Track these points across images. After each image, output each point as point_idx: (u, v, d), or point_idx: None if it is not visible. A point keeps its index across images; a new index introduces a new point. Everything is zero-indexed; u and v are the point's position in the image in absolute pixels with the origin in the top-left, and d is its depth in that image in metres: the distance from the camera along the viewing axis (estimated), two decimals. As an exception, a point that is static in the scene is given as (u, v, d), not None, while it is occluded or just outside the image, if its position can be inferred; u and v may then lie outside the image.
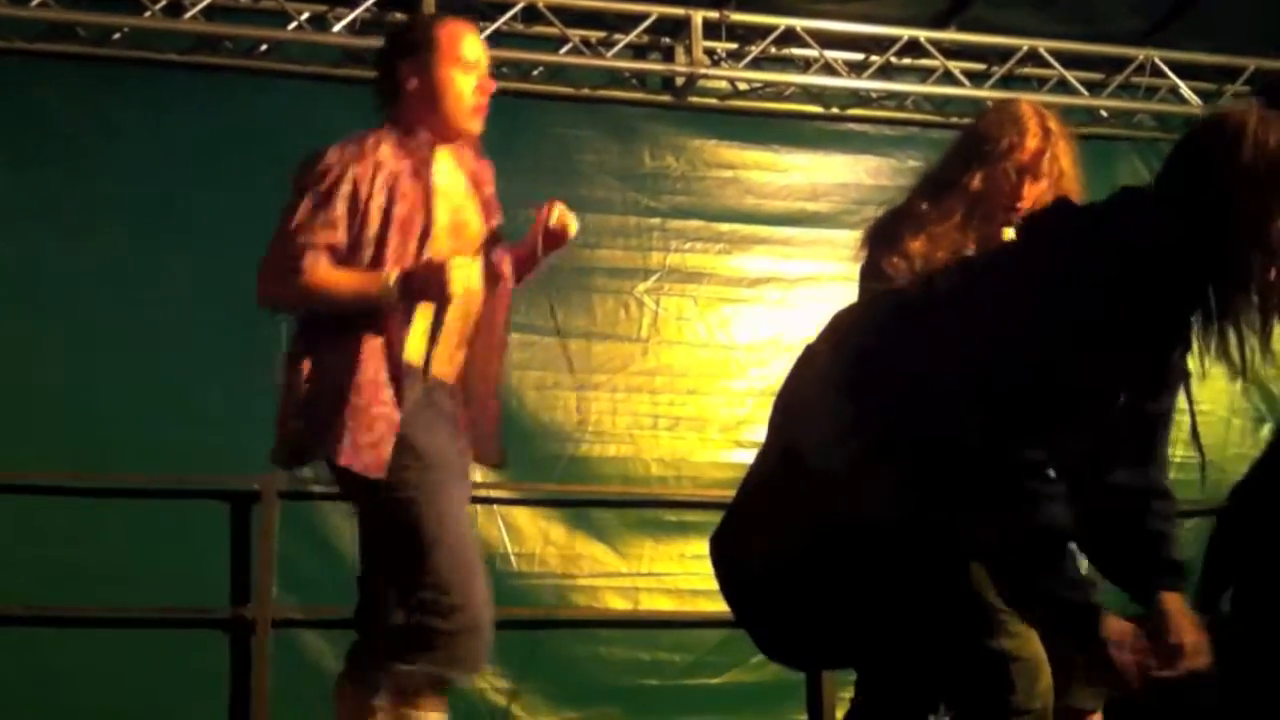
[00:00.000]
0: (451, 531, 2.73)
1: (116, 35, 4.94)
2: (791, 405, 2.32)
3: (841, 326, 2.34)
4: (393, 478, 2.72)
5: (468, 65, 2.92)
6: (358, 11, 5.11)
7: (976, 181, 2.97)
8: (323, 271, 2.74)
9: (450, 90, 2.89)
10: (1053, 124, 3.00)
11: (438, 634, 2.70)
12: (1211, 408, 5.68)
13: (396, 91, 2.92)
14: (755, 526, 2.30)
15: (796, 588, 2.24)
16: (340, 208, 2.75)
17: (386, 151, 2.81)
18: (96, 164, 4.81)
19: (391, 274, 2.74)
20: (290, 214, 2.77)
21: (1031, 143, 2.97)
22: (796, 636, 2.34)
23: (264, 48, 5.10)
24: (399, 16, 5.20)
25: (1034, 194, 2.94)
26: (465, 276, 2.77)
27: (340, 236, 2.76)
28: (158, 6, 4.92)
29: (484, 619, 2.73)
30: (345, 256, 2.77)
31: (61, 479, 4.55)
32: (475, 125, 2.95)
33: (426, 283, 2.75)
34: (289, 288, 2.77)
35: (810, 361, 2.35)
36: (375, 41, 5.10)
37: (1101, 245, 2.06)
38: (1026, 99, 3.27)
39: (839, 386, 2.19)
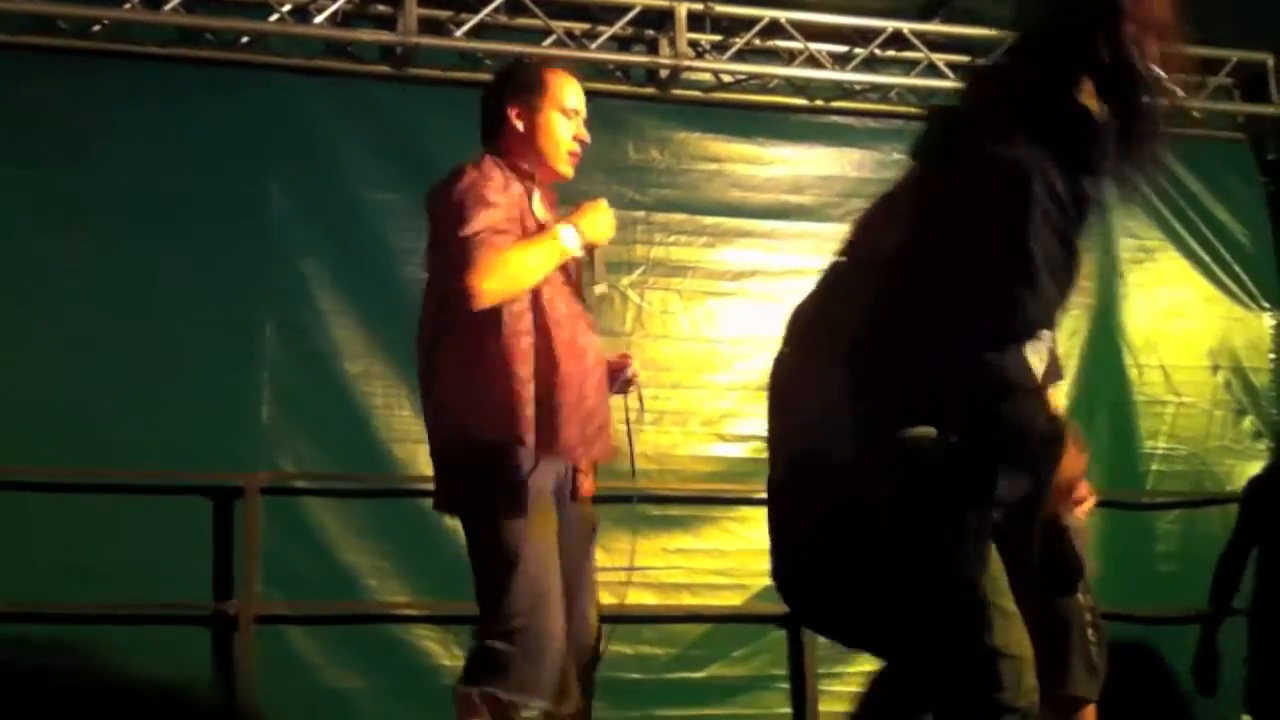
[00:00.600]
0: (532, 560, 2.81)
1: (96, 28, 4.91)
2: (789, 407, 2.35)
3: (815, 316, 2.36)
4: (494, 498, 2.85)
5: (569, 112, 3.10)
6: (339, 3, 5.08)
7: None
8: (508, 246, 2.83)
9: (551, 133, 3.07)
10: None
11: (501, 656, 2.77)
12: (1194, 400, 5.71)
13: (501, 127, 3.07)
14: (781, 529, 2.36)
15: (819, 583, 2.33)
16: (495, 209, 2.87)
17: (501, 176, 2.95)
18: (80, 158, 4.79)
19: (558, 226, 2.93)
20: (455, 224, 2.84)
21: None
22: (839, 628, 2.43)
23: (245, 40, 5.07)
24: (381, 9, 5.19)
25: None
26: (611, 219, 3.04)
27: (504, 221, 2.87)
28: (138, -1, 4.90)
29: (549, 648, 2.79)
30: None
31: (46, 475, 4.53)
32: (568, 169, 3.11)
33: (588, 223, 2.96)
34: (489, 268, 2.80)
35: (798, 360, 2.36)
36: (356, 34, 5.14)
37: (1043, 199, 2.15)
38: None
39: (838, 388, 2.22)
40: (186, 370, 4.71)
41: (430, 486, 3.16)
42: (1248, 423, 5.75)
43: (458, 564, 4.72)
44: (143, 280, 4.76)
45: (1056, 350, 3.28)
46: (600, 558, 5.05)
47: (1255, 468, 5.69)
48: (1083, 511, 3.20)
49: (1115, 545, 5.37)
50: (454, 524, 4.83)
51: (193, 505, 4.67)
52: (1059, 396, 3.32)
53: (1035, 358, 2.27)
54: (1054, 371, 3.25)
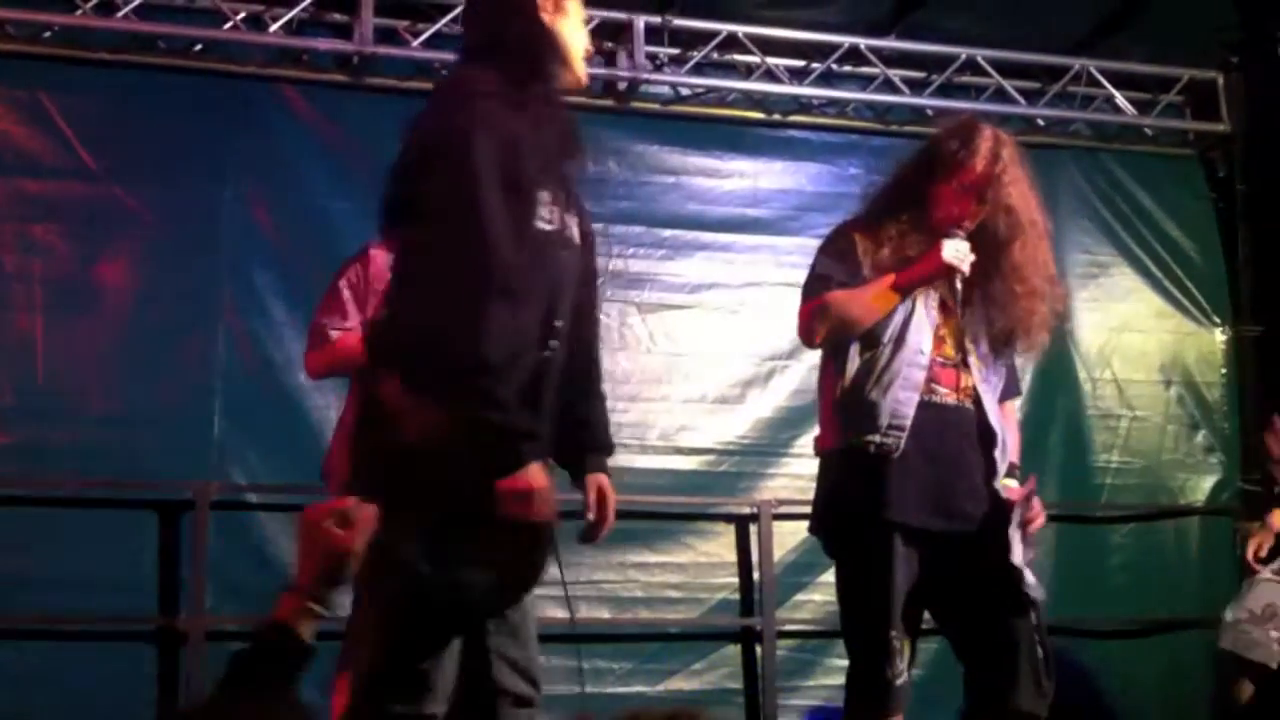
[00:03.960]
0: None
1: (47, 34, 4.84)
2: None
3: None
4: None
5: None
6: (294, 12, 5.04)
7: (922, 193, 3.06)
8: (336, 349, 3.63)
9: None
10: (1006, 150, 3.07)
11: None
12: (1147, 414, 5.75)
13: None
14: None
15: None
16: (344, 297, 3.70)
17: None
18: (31, 163, 4.72)
19: None
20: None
21: (980, 165, 3.02)
22: None
23: (199, 47, 5.02)
24: (337, 18, 5.15)
25: (978, 215, 3.03)
26: None
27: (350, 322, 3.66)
28: (89, 5, 4.83)
29: None
30: None
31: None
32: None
33: None
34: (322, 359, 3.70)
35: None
36: (312, 42, 5.10)
37: None
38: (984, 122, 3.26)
39: None
40: (136, 379, 4.64)
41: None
42: (1200, 437, 5.80)
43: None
44: (93, 288, 4.69)
45: (1015, 366, 3.29)
46: (555, 572, 5.05)
47: (1207, 481, 5.76)
48: (1033, 528, 3.18)
49: (1069, 558, 5.40)
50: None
51: (140, 518, 4.60)
52: (1014, 410, 3.33)
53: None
54: (1012, 387, 3.26)
